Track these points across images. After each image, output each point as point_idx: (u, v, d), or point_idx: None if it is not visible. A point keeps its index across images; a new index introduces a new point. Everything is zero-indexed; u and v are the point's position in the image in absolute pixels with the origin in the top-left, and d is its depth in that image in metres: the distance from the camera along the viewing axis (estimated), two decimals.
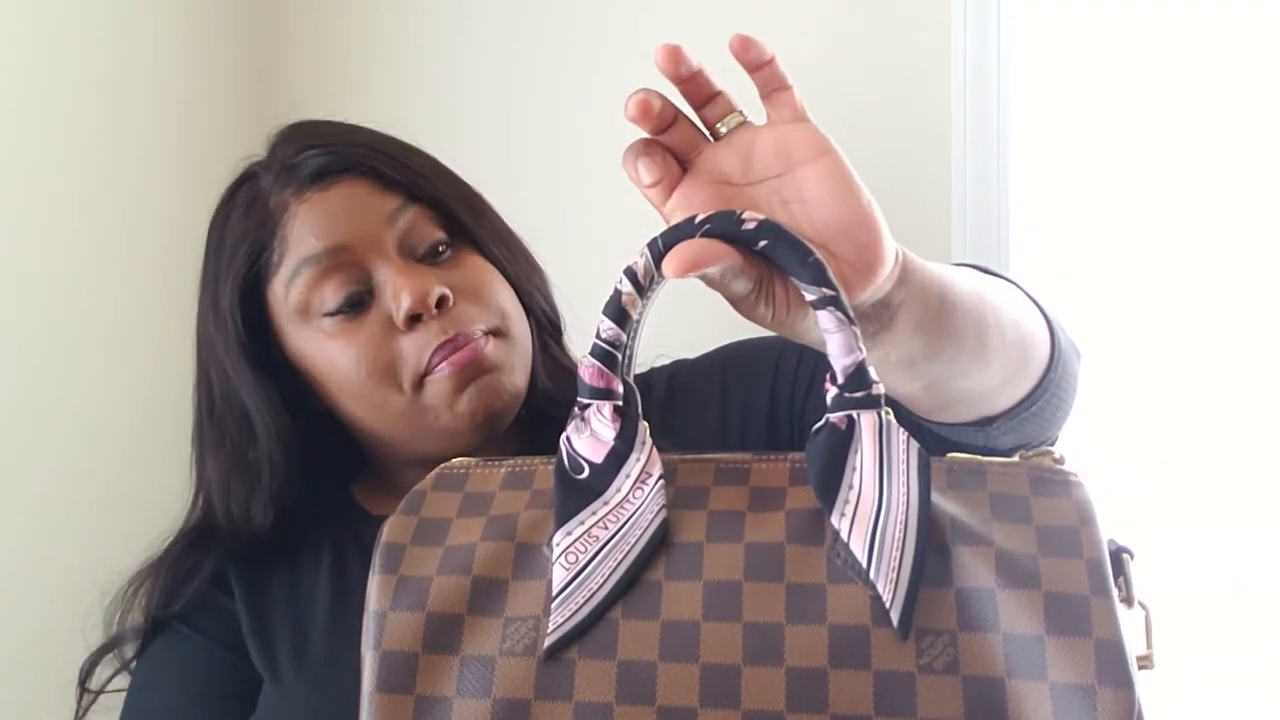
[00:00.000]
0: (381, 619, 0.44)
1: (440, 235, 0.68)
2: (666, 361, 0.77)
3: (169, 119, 1.14)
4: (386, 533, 0.47)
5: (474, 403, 0.66)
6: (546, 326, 0.72)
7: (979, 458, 0.46)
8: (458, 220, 0.68)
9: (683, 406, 0.71)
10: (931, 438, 0.57)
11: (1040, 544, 0.42)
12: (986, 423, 0.56)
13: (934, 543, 0.42)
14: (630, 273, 0.47)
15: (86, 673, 0.72)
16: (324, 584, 0.70)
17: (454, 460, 0.51)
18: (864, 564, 0.42)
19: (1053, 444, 0.60)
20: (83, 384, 1.06)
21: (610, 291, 0.47)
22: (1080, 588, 0.40)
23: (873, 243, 0.47)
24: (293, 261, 0.67)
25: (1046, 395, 0.56)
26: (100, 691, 0.71)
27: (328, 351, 0.67)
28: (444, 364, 0.66)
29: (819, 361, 0.68)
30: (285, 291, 0.67)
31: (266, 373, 0.69)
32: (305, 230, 0.67)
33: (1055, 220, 0.93)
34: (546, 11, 1.13)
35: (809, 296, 0.45)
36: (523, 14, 1.14)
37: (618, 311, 0.47)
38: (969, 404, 0.55)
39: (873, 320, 0.48)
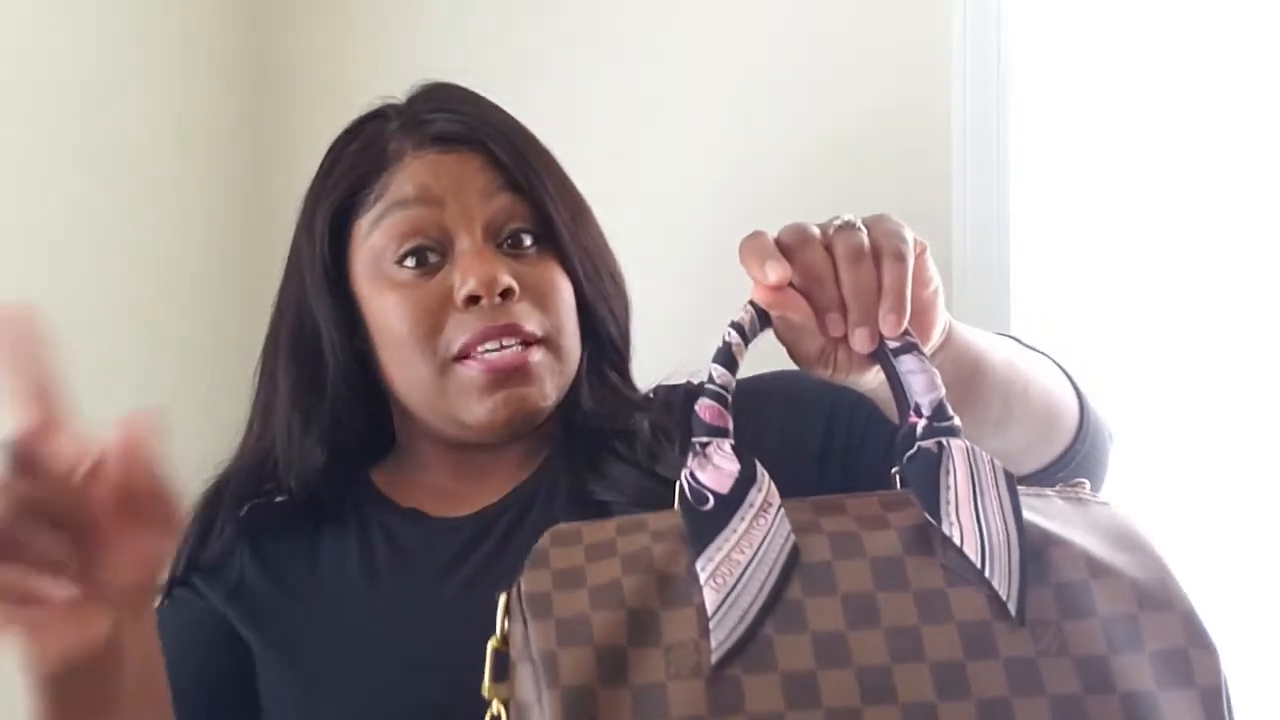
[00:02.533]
0: (552, 658, 0.45)
1: (529, 229, 0.71)
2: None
3: (169, 115, 1.14)
4: (526, 586, 0.48)
5: (498, 411, 0.69)
6: (606, 352, 0.74)
7: (1031, 488, 0.54)
8: (552, 223, 0.70)
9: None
10: None
11: (1110, 544, 0.50)
12: None
13: (1029, 546, 0.49)
14: (737, 326, 0.52)
15: None
16: (353, 576, 0.70)
17: (559, 525, 0.52)
18: (979, 566, 0.48)
19: None
20: (82, 375, 1.02)
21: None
22: (1156, 572, 0.48)
23: (927, 328, 0.55)
24: (385, 204, 0.70)
25: (1072, 465, 0.64)
26: None
27: (386, 299, 0.70)
28: (479, 363, 0.68)
29: (871, 411, 0.70)
30: (369, 230, 0.71)
31: (343, 302, 0.73)
32: (408, 179, 0.70)
33: (1055, 221, 0.93)
34: (556, 7, 1.14)
35: (892, 344, 0.52)
36: (529, 10, 1.15)
37: (727, 358, 0.52)
38: None
39: None
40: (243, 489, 0.75)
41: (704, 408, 0.51)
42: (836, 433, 0.73)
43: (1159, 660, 0.46)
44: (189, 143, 1.16)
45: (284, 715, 0.66)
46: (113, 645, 0.50)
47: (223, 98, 1.20)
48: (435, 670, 0.66)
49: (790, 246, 0.52)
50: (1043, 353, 0.68)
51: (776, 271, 0.50)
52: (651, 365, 0.80)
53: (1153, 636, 0.46)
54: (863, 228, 0.52)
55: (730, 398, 0.52)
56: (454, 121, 0.71)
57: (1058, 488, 0.54)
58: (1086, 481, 0.55)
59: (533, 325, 0.69)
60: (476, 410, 0.70)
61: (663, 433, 0.72)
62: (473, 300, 0.68)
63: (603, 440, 0.72)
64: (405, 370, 0.71)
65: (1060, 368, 0.67)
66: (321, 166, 0.75)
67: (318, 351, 0.74)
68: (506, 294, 0.69)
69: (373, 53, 1.22)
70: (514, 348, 0.69)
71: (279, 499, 0.76)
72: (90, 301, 1.05)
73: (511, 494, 0.73)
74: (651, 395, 0.78)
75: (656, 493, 0.67)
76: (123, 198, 1.09)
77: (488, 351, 0.69)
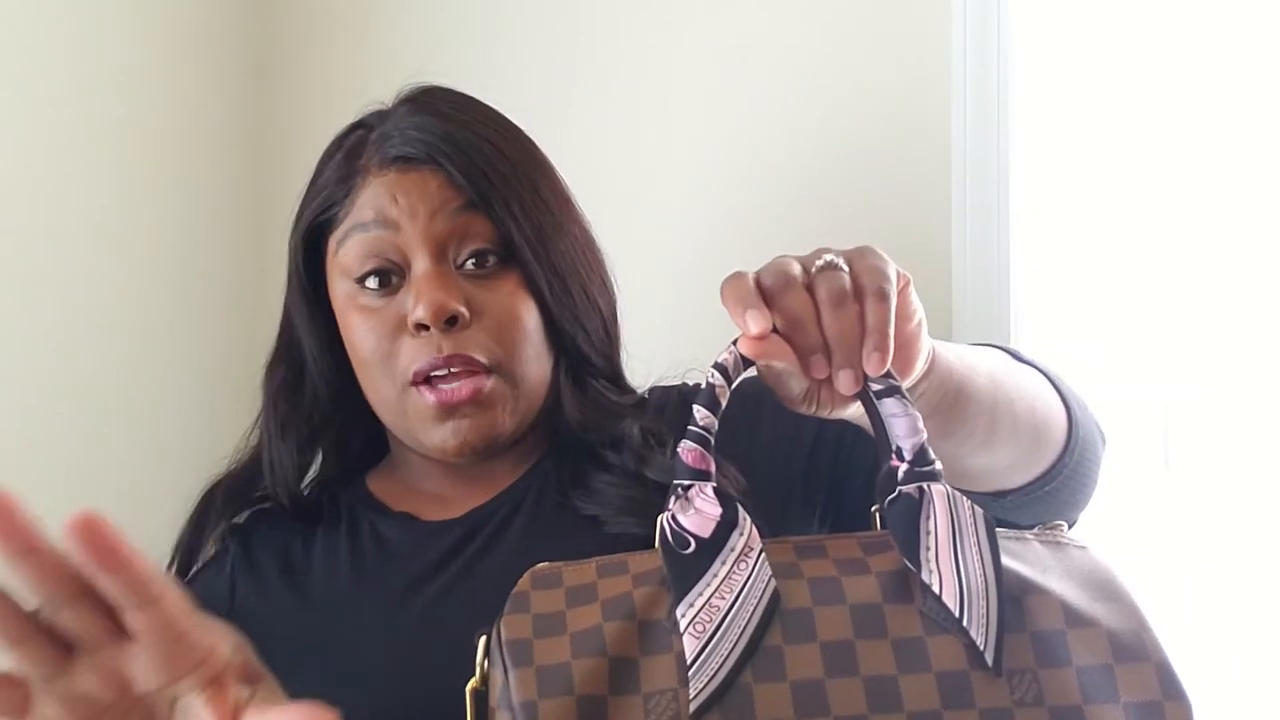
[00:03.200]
0: (532, 708, 0.45)
1: (488, 249, 0.70)
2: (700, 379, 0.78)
3: (168, 117, 1.14)
4: (505, 631, 0.48)
5: (449, 440, 0.70)
6: (584, 363, 0.73)
7: (1010, 530, 0.54)
8: (513, 239, 0.70)
9: (725, 425, 0.73)
10: None
11: (1088, 590, 0.50)
12: (1000, 495, 0.64)
13: (1007, 593, 0.49)
14: (721, 368, 0.52)
15: None
16: (340, 576, 0.72)
17: (539, 565, 0.52)
18: (957, 615, 0.48)
19: (1072, 525, 0.68)
20: (74, 383, 1.05)
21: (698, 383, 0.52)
22: (1133, 623, 0.49)
23: (910, 360, 0.55)
24: (349, 224, 0.71)
25: (1060, 479, 0.64)
26: None
27: (351, 319, 0.72)
28: (434, 393, 0.69)
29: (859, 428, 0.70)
30: (337, 248, 0.72)
31: (320, 312, 0.75)
32: (370, 200, 0.70)
33: (1056, 221, 0.93)
34: (558, 8, 1.13)
35: (875, 386, 0.52)
36: (529, 10, 1.14)
37: (711, 400, 0.52)
38: (978, 479, 0.63)
39: None
40: (232, 496, 0.77)
41: (686, 451, 0.51)
42: (827, 434, 0.72)
43: (1133, 712, 0.47)
44: (187, 142, 1.16)
45: None
46: None
47: (222, 98, 1.20)
48: (413, 668, 0.66)
49: (771, 290, 0.51)
50: (1032, 363, 0.67)
51: (758, 322, 0.50)
52: (651, 364, 0.80)
53: (1128, 688, 0.47)
54: (844, 266, 0.52)
55: (713, 440, 0.52)
56: (415, 140, 0.70)
57: (1036, 530, 0.55)
58: (1064, 524, 0.55)
59: (481, 354, 0.69)
60: (433, 436, 0.70)
61: (653, 436, 0.71)
62: (423, 326, 0.69)
63: (589, 450, 0.72)
64: (372, 390, 0.73)
65: (1049, 378, 0.66)
66: (314, 173, 0.76)
67: (301, 362, 0.76)
68: (453, 321, 0.68)
69: (373, 53, 1.21)
70: (464, 379, 0.69)
71: (270, 505, 0.78)
72: (88, 300, 1.06)
73: (500, 496, 0.74)
74: (646, 396, 0.78)
75: (644, 499, 0.68)
76: (121, 197, 1.09)
77: (440, 380, 0.70)
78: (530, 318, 0.71)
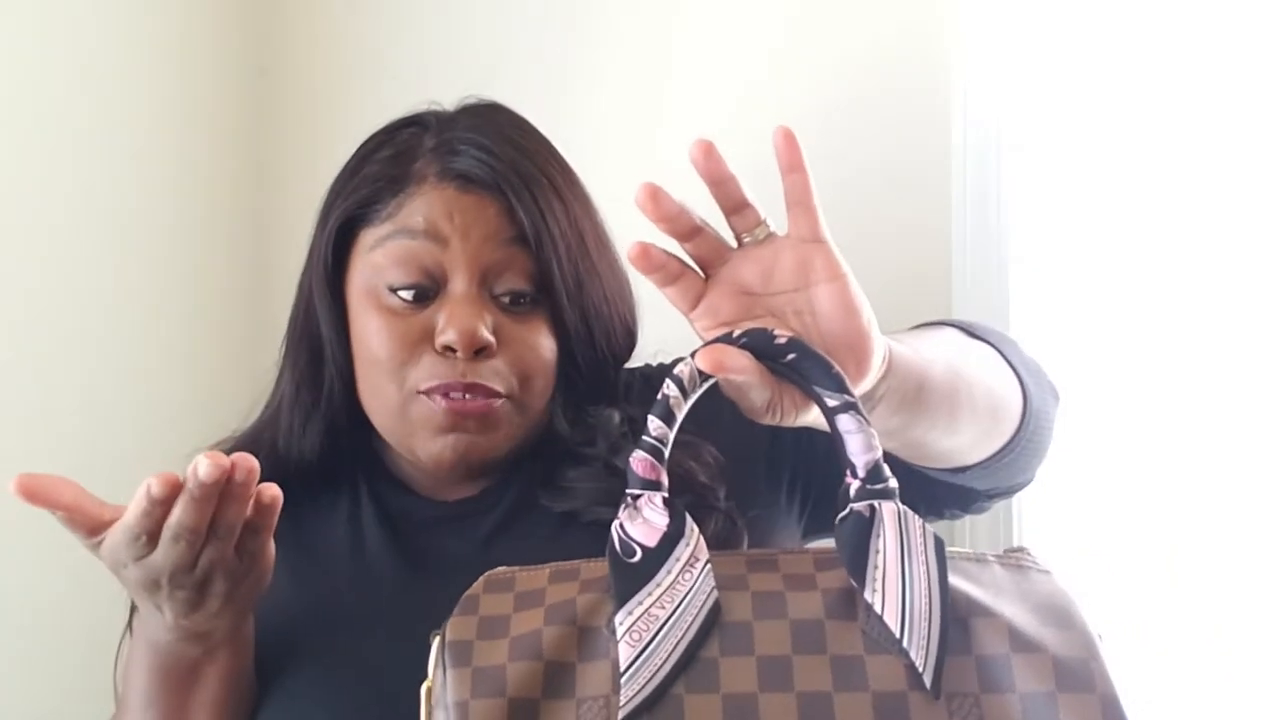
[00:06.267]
0: (464, 708, 0.47)
1: (527, 287, 0.70)
2: (666, 360, 0.78)
3: (169, 117, 1.15)
4: (450, 633, 0.50)
5: (446, 453, 0.71)
6: (587, 391, 0.73)
7: (971, 551, 0.53)
8: (552, 282, 0.70)
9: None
10: (913, 474, 0.63)
11: (1039, 617, 0.49)
12: (960, 470, 0.65)
13: (953, 616, 0.49)
14: (677, 379, 0.52)
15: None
16: (342, 554, 0.73)
17: (497, 569, 0.53)
18: (897, 635, 0.48)
19: (1028, 484, 0.70)
20: (77, 382, 1.05)
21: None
22: (1081, 652, 0.48)
23: (867, 355, 0.55)
24: (393, 226, 0.70)
25: (1018, 450, 0.65)
26: None
27: (371, 319, 0.70)
28: (446, 401, 0.69)
29: None
30: (373, 245, 0.71)
31: (339, 302, 0.73)
32: (421, 209, 0.70)
33: (1054, 225, 0.93)
34: (558, 9, 1.14)
35: (830, 402, 0.52)
36: (530, 12, 1.15)
37: (665, 412, 0.52)
38: (942, 458, 0.64)
39: None
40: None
41: (638, 461, 0.52)
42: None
43: None
44: (188, 142, 1.17)
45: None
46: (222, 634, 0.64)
47: (222, 98, 1.20)
48: (398, 652, 0.66)
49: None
50: (983, 336, 0.68)
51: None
52: (646, 351, 0.80)
53: (1070, 717, 0.46)
54: None
55: (666, 452, 0.52)
56: (482, 162, 0.70)
57: (1000, 553, 0.54)
58: (1028, 548, 0.54)
59: (499, 383, 0.70)
60: (430, 446, 0.70)
61: (631, 423, 0.72)
62: (449, 349, 0.69)
63: (565, 448, 0.73)
64: (374, 392, 0.72)
65: (1000, 351, 0.67)
66: (349, 162, 0.75)
67: (320, 348, 0.75)
68: (482, 351, 0.69)
69: (372, 53, 1.22)
70: (477, 399, 0.70)
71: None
72: (90, 299, 1.07)
73: (483, 493, 0.75)
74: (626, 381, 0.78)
75: (617, 490, 0.67)
76: (121, 196, 1.11)
77: (452, 396, 0.70)
78: (550, 356, 0.72)
